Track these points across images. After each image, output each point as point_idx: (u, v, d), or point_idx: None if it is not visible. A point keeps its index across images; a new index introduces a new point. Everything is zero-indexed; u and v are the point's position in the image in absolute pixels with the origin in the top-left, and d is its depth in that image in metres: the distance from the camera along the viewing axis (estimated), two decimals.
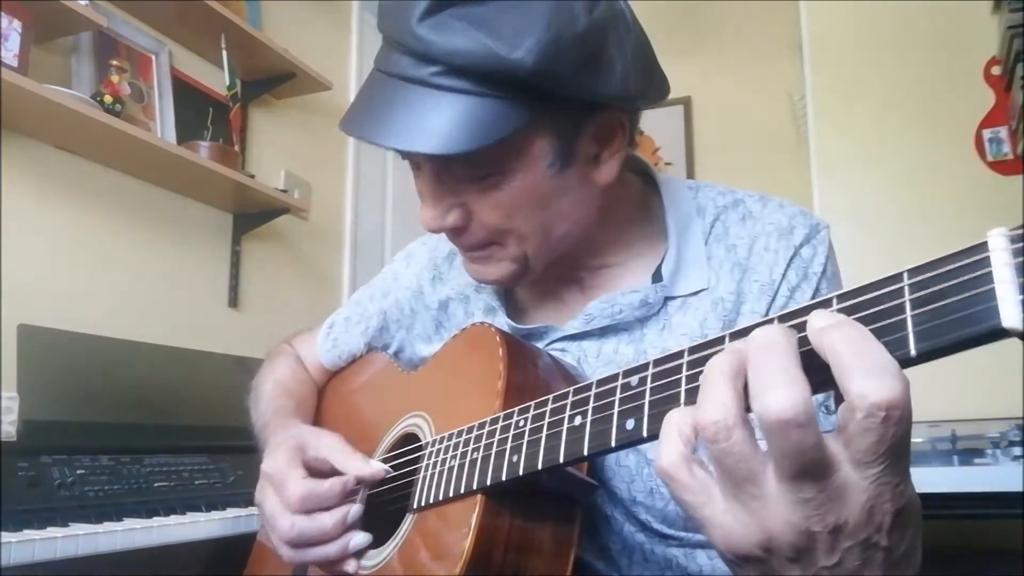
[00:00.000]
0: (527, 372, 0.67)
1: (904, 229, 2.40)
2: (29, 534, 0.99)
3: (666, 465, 0.40)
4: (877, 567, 0.38)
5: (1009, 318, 0.32)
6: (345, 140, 2.79)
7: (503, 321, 0.81)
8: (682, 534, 0.71)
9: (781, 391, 0.35)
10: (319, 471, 0.75)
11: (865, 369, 0.35)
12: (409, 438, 0.77)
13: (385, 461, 0.78)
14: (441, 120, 0.62)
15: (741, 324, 0.72)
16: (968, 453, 1.83)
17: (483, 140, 0.62)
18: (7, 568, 0.93)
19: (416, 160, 0.70)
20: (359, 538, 0.71)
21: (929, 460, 1.83)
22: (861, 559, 0.38)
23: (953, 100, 2.40)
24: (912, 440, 0.38)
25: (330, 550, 0.70)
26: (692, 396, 0.43)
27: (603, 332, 0.77)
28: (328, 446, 0.76)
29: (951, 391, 2.01)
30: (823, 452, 0.36)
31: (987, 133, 2.36)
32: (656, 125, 3.23)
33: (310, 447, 0.76)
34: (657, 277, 0.76)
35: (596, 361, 0.76)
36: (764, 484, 0.37)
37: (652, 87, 0.72)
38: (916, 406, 0.40)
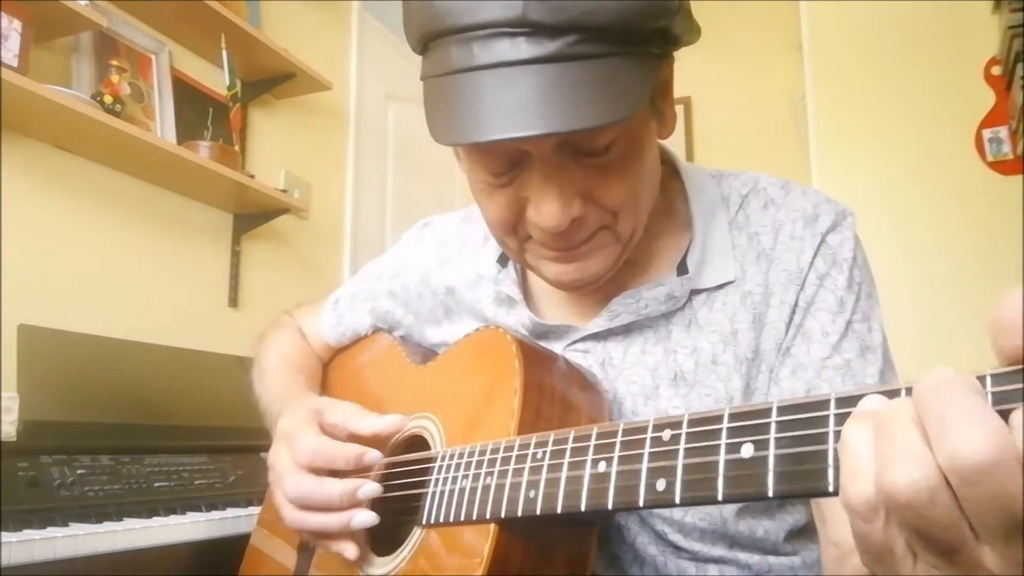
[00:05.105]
0: (544, 386, 0.65)
1: (904, 229, 2.40)
2: (29, 534, 0.99)
3: (866, 500, 0.32)
4: None
5: None
6: (345, 140, 2.79)
7: (524, 315, 0.78)
8: (697, 547, 0.69)
9: (975, 429, 0.28)
10: (335, 437, 0.72)
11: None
12: (416, 440, 0.76)
13: (392, 464, 0.77)
14: (592, 95, 0.56)
15: (771, 317, 0.70)
16: None
17: (637, 102, 0.58)
18: (7, 568, 0.93)
19: (538, 149, 0.61)
20: (363, 516, 0.67)
21: None
22: None
23: (953, 100, 2.40)
24: None
25: (331, 520, 0.67)
26: (731, 467, 0.40)
27: (627, 331, 0.74)
28: (345, 410, 0.73)
29: None
30: None
31: (987, 133, 2.36)
32: None
33: (327, 412, 0.74)
34: (682, 269, 0.72)
35: (622, 364, 0.73)
36: (978, 554, 0.30)
37: (696, 32, 0.66)
38: None
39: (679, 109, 3.36)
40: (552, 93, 0.56)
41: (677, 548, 0.70)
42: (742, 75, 3.25)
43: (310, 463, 0.69)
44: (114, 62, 1.83)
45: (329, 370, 1.04)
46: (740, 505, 0.68)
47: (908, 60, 2.47)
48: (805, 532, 0.72)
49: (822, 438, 0.36)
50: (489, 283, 0.83)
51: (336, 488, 0.67)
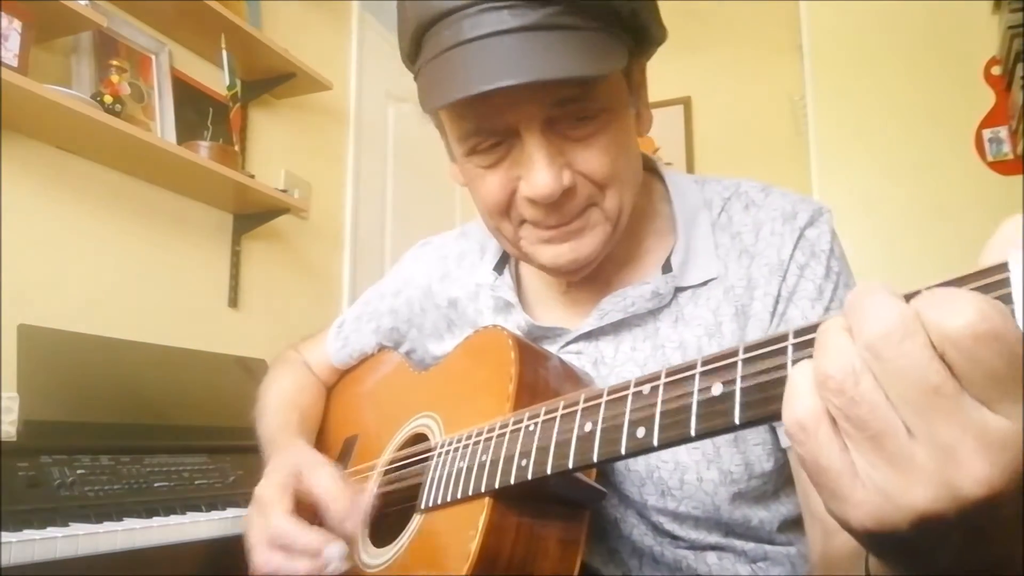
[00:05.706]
0: (538, 376, 0.67)
1: (904, 229, 2.40)
2: (29, 534, 0.99)
3: (799, 416, 0.34)
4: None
5: None
6: (345, 140, 2.79)
7: (520, 317, 0.81)
8: (693, 535, 0.71)
9: (881, 310, 0.32)
10: (307, 505, 0.72)
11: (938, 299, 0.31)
12: (419, 438, 0.77)
13: (393, 460, 0.79)
14: (572, 52, 0.62)
15: (755, 308, 0.73)
16: None
17: (613, 65, 0.64)
18: (7, 568, 0.93)
19: (526, 121, 0.66)
20: (335, 564, 0.67)
21: None
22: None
23: (953, 100, 2.40)
24: None
25: None
26: (703, 406, 0.42)
27: (617, 329, 0.77)
28: (320, 483, 0.72)
29: None
30: (944, 376, 0.31)
31: (987, 133, 2.37)
32: (656, 125, 3.21)
33: (304, 478, 0.73)
34: (667, 269, 0.76)
35: (613, 361, 0.76)
36: (911, 450, 0.32)
37: (662, 28, 0.73)
38: None
39: (679, 109, 3.36)
40: (536, 51, 0.61)
41: (674, 538, 0.71)
42: (742, 75, 3.26)
43: (271, 543, 0.69)
44: (114, 62, 1.83)
45: (335, 391, 1.06)
46: (733, 492, 0.70)
47: (908, 60, 2.48)
48: (800, 523, 0.73)
49: (782, 367, 0.39)
50: (488, 293, 0.86)
51: (302, 567, 0.67)
